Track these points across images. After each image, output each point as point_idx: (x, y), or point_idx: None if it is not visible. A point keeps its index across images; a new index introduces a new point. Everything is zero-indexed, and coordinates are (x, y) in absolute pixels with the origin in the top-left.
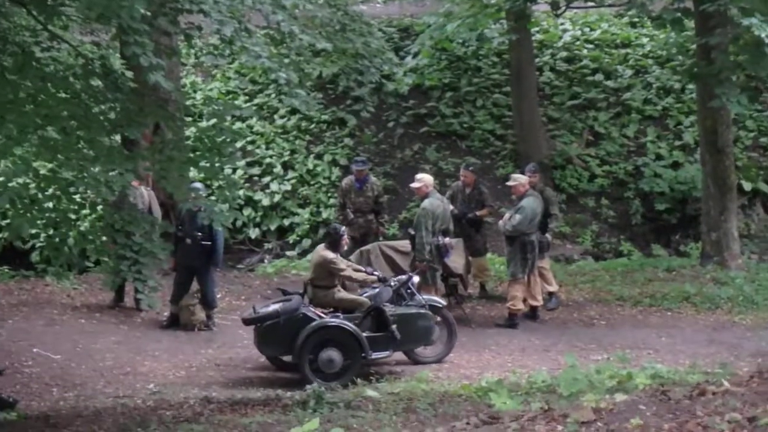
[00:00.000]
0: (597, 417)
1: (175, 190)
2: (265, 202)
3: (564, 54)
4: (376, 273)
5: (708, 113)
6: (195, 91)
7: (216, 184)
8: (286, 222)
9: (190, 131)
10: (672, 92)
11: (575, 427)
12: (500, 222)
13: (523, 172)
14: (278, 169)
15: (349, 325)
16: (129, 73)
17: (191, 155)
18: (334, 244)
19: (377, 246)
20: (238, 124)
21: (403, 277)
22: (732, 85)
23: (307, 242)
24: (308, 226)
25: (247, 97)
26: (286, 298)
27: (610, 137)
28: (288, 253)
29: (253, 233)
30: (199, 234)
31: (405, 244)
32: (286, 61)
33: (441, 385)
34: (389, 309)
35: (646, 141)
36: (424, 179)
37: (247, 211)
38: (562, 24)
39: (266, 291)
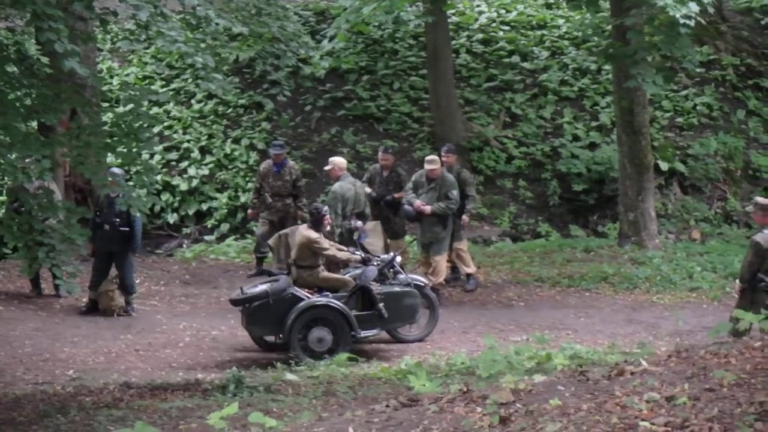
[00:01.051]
0: (516, 398)
1: (92, 175)
2: (183, 186)
3: (480, 36)
4: (358, 252)
5: (624, 94)
6: (111, 77)
7: (133, 169)
8: (204, 206)
9: (107, 117)
10: (588, 73)
11: (494, 408)
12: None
13: (440, 154)
14: (196, 154)
15: (338, 304)
16: (45, 59)
17: (108, 141)
18: (316, 224)
19: (296, 229)
20: (155, 109)
21: (387, 256)
22: (647, 65)
23: (225, 226)
24: (226, 210)
25: (163, 82)
26: (273, 279)
27: (527, 119)
28: (206, 237)
29: (171, 218)
30: (118, 220)
31: None
32: (203, 45)
33: (360, 369)
34: (376, 288)
35: (563, 122)
36: (335, 162)
37: (165, 196)
38: (477, 6)
39: (184, 276)
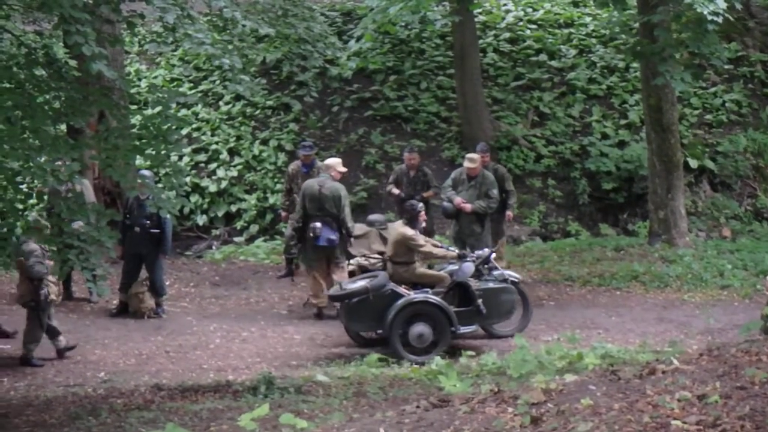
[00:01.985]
0: (547, 398)
1: (121, 178)
2: (212, 188)
3: (507, 35)
4: (454, 248)
5: (652, 91)
6: (139, 79)
7: (162, 171)
8: (233, 208)
9: (136, 119)
10: (616, 71)
11: (525, 408)
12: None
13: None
14: (224, 156)
15: (439, 300)
16: (72, 62)
17: (137, 143)
18: (412, 221)
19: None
20: (183, 111)
21: (483, 252)
22: (675, 62)
23: (254, 228)
24: (255, 211)
25: (191, 84)
26: (372, 275)
27: (555, 117)
28: (236, 239)
29: (201, 220)
30: (148, 222)
31: (356, 227)
32: (230, 47)
33: (391, 369)
34: (473, 284)
35: (592, 120)
36: (326, 161)
37: (194, 198)
38: (504, 5)
39: (214, 277)
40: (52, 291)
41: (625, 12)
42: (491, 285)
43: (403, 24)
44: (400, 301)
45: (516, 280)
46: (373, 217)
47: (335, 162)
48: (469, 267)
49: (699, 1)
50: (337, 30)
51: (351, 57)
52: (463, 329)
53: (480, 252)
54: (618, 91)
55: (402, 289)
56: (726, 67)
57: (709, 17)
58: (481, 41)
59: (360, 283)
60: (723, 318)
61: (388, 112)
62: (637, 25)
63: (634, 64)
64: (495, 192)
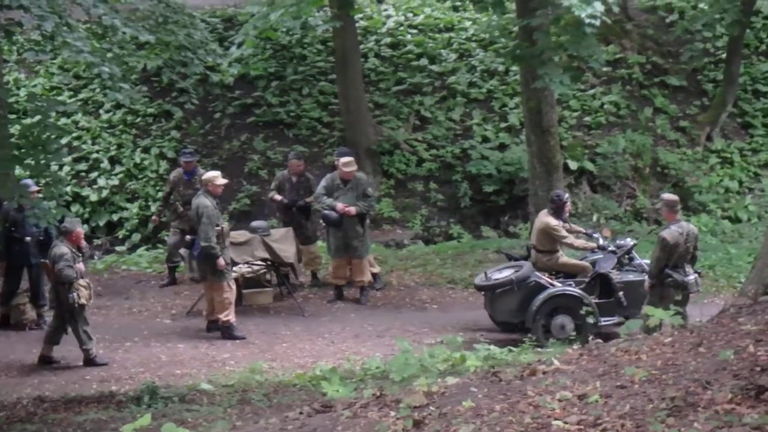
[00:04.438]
0: (429, 401)
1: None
2: (93, 197)
3: (388, 40)
4: (596, 237)
5: (532, 94)
6: (18, 88)
7: (42, 181)
8: (115, 217)
9: (15, 128)
10: (496, 74)
11: (407, 412)
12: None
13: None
14: (105, 164)
15: (581, 293)
16: None
17: (16, 153)
18: (557, 211)
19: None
20: (63, 120)
21: (626, 242)
22: (554, 65)
23: (136, 237)
24: (137, 220)
25: (71, 93)
26: (516, 265)
27: (437, 121)
28: (118, 248)
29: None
30: (36, 230)
31: (238, 234)
32: (109, 55)
33: (275, 376)
34: (615, 275)
35: (472, 124)
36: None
37: (75, 208)
38: (385, 10)
39: (96, 287)
40: (83, 295)
41: (505, 16)
42: (631, 277)
43: (284, 30)
44: (543, 294)
45: None
46: (255, 223)
47: (213, 175)
48: (612, 258)
49: (577, 4)
50: (219, 36)
51: (232, 63)
52: (604, 321)
53: (621, 242)
54: (498, 94)
55: (545, 280)
56: (604, 69)
57: (587, 20)
58: (362, 46)
59: (505, 274)
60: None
61: (271, 118)
62: (516, 28)
63: (514, 68)
64: (371, 190)
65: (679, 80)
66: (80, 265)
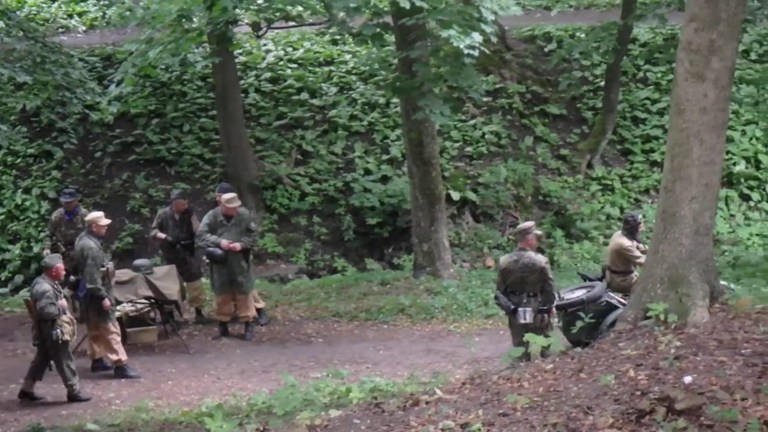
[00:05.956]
0: None
1: None
2: None
3: (268, 74)
4: None
5: (413, 126)
6: None
7: None
8: None
9: None
10: (377, 107)
11: None
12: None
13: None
14: None
15: None
16: None
17: None
18: (631, 232)
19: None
20: None
21: None
22: (434, 96)
23: (19, 278)
24: (20, 261)
25: None
26: (589, 285)
27: (319, 155)
28: (0, 290)
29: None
30: None
31: (122, 273)
32: None
33: (162, 414)
34: None
35: (354, 156)
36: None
37: None
38: (264, 45)
39: None
40: (66, 331)
41: (384, 48)
42: None
43: (163, 67)
44: (612, 315)
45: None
46: (138, 262)
47: (96, 216)
48: None
49: (456, 35)
50: (98, 75)
51: (112, 102)
52: None
53: None
54: (379, 126)
55: (616, 300)
56: (484, 99)
57: (466, 51)
58: (242, 82)
59: (577, 294)
60: (489, 347)
61: (152, 156)
62: (395, 60)
63: (394, 100)
64: (254, 225)
65: (558, 109)
66: (62, 302)
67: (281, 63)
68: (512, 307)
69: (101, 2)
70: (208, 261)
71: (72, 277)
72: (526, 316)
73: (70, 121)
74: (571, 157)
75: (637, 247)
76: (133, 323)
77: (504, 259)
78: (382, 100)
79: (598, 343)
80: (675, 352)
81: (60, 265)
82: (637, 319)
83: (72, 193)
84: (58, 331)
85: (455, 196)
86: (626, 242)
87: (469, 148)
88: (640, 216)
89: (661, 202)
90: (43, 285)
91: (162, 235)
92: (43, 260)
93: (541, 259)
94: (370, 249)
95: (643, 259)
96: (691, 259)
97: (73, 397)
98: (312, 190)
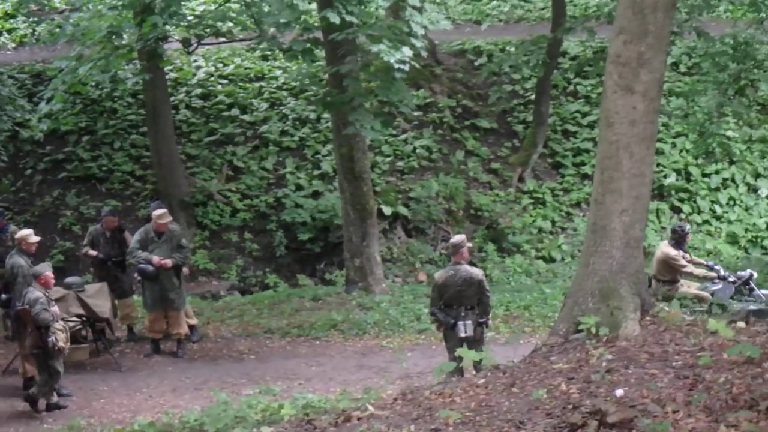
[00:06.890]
0: None
1: None
2: None
3: (199, 91)
4: (717, 268)
5: (344, 141)
6: None
7: None
8: None
9: None
10: (308, 122)
11: None
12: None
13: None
14: None
15: None
16: None
17: None
18: (678, 242)
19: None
20: None
21: (745, 273)
22: (365, 111)
23: None
24: None
25: None
26: None
27: (250, 171)
28: None
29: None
30: None
31: (53, 291)
32: None
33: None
34: (735, 305)
35: (286, 172)
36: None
37: None
38: (195, 61)
39: None
40: (60, 338)
41: (314, 63)
42: (752, 307)
43: (93, 84)
44: None
45: None
46: (70, 279)
47: (26, 234)
48: (729, 288)
49: (386, 50)
50: (27, 92)
51: (42, 119)
52: None
53: (741, 273)
54: (310, 142)
55: None
56: (415, 114)
57: (396, 65)
58: (173, 98)
59: None
60: (421, 362)
61: (83, 173)
62: (326, 76)
63: (325, 115)
64: (186, 241)
65: (489, 122)
66: (55, 308)
67: (212, 79)
68: (452, 321)
69: (31, 19)
70: (139, 278)
71: (3, 296)
72: (467, 329)
73: (0, 138)
74: (502, 171)
75: (683, 257)
76: None
77: (440, 274)
78: (313, 116)
79: (530, 357)
80: (606, 365)
81: (49, 273)
82: (569, 332)
83: (1, 212)
84: (54, 337)
85: (387, 210)
86: (673, 252)
87: (400, 163)
88: (688, 227)
89: (592, 214)
90: (35, 292)
91: (93, 253)
92: (33, 268)
93: (478, 272)
94: (302, 265)
95: (689, 267)
96: (622, 272)
97: (51, 407)
98: (243, 206)
